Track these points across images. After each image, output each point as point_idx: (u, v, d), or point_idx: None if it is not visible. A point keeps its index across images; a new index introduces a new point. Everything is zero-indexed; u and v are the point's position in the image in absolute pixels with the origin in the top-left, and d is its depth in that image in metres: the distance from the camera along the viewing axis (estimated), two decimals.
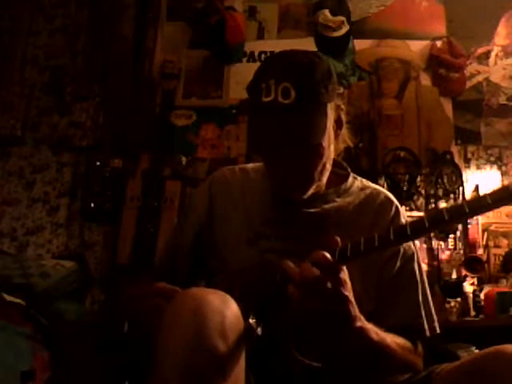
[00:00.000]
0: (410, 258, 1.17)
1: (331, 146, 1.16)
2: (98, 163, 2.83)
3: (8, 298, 1.97)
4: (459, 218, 0.84)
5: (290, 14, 3.17)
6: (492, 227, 2.79)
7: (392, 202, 1.23)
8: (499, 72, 3.05)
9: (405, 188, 2.80)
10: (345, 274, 0.89)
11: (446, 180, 2.82)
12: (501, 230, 2.80)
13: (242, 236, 1.18)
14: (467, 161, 2.95)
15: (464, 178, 2.85)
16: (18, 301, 1.98)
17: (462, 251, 2.74)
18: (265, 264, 1.03)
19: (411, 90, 3.03)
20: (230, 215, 1.23)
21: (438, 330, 1.16)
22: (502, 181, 2.90)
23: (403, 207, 2.40)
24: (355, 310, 0.92)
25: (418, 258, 1.19)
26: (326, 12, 2.99)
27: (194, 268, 1.21)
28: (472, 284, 2.65)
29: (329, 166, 1.17)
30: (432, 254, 2.74)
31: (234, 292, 0.92)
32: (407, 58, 3.08)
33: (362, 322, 0.94)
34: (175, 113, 3.01)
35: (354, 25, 3.08)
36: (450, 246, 2.75)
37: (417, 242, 1.31)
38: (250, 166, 1.33)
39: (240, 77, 2.97)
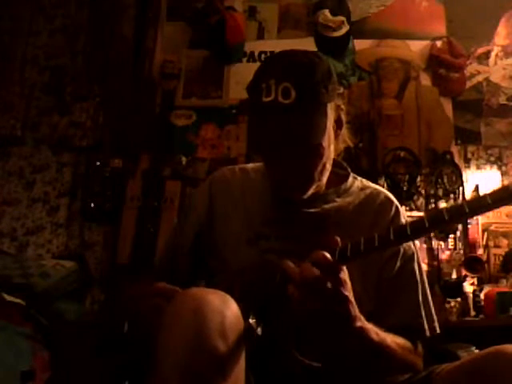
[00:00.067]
0: (410, 258, 1.17)
1: (331, 146, 1.16)
2: (98, 163, 2.83)
3: (8, 297, 1.97)
4: (459, 217, 0.84)
5: (290, 14, 3.17)
6: (492, 227, 2.79)
7: (392, 201, 1.23)
8: (499, 72, 3.05)
9: (405, 188, 2.80)
10: (345, 274, 0.89)
11: (446, 180, 2.82)
12: (501, 230, 2.80)
13: (241, 236, 1.18)
14: (467, 161, 2.95)
15: (464, 178, 2.85)
16: (18, 301, 1.98)
17: (461, 251, 2.74)
18: (265, 264, 1.03)
19: (411, 89, 3.03)
20: (230, 215, 1.23)
21: (438, 330, 1.16)
22: (502, 181, 2.90)
23: (403, 207, 2.40)
24: (355, 310, 0.92)
25: (418, 258, 1.19)
26: (326, 12, 2.99)
27: (193, 268, 1.21)
28: (472, 284, 2.65)
29: (329, 166, 1.17)
30: (432, 253, 2.74)
31: (234, 292, 0.92)
32: (407, 57, 3.08)
33: (362, 322, 0.94)
34: (175, 113, 3.01)
35: (354, 25, 3.08)
36: (450, 246, 2.75)
37: (417, 242, 1.31)
38: (250, 165, 1.33)
39: (240, 77, 2.97)
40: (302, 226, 1.16)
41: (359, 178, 1.28)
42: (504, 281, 2.67)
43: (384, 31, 3.13)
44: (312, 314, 0.90)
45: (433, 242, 2.75)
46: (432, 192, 2.83)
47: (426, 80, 3.05)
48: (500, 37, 3.09)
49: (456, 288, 2.57)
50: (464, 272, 2.64)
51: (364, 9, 3.15)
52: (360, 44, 3.10)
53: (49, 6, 3.13)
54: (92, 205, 2.80)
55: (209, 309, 0.82)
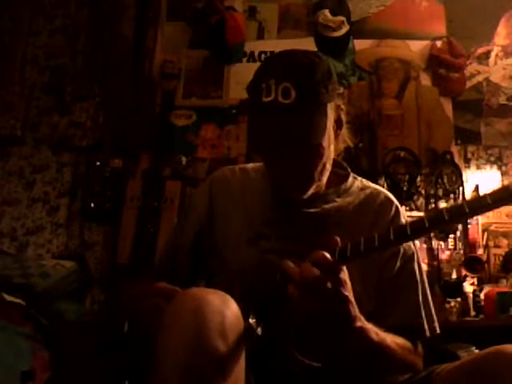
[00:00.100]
0: (410, 258, 1.17)
1: (331, 146, 1.15)
2: (98, 163, 2.83)
3: (8, 297, 1.97)
4: (459, 218, 0.84)
5: (290, 14, 3.17)
6: (492, 227, 2.79)
7: (392, 202, 1.23)
8: (499, 72, 3.05)
9: (405, 188, 2.80)
10: (345, 274, 0.89)
11: (446, 180, 2.82)
12: (501, 230, 2.80)
13: (242, 236, 1.18)
14: (467, 161, 2.95)
15: (464, 178, 2.85)
16: (18, 301, 1.98)
17: (461, 251, 2.74)
18: (265, 264, 1.03)
19: (411, 90, 3.03)
20: (230, 215, 1.23)
21: (438, 330, 1.16)
22: (502, 181, 2.90)
23: (403, 207, 2.40)
24: (355, 310, 0.92)
25: (418, 258, 1.19)
26: (326, 12, 2.99)
27: (193, 268, 1.21)
28: (472, 284, 2.65)
29: (329, 166, 1.17)
30: (432, 253, 2.74)
31: (234, 292, 0.92)
32: (407, 57, 3.08)
33: (361, 322, 0.94)
34: (175, 113, 3.01)
35: (354, 25, 3.08)
36: (450, 246, 2.75)
37: (417, 242, 1.31)
38: (250, 165, 1.33)
39: (240, 77, 2.97)
40: (302, 226, 1.16)
41: (359, 178, 1.28)
42: (504, 281, 2.67)
43: (384, 31, 3.13)
44: (312, 313, 0.90)
45: (433, 242, 2.75)
46: (432, 192, 2.83)
47: (426, 80, 3.06)
48: (500, 37, 3.09)
49: (456, 288, 2.57)
50: (464, 272, 2.64)
51: (364, 9, 3.15)
52: (360, 44, 3.10)
53: (49, 6, 3.13)
54: (92, 205, 2.80)
55: (209, 309, 0.82)
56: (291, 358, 1.01)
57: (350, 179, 1.25)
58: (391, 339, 1.03)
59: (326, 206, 1.19)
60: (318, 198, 1.18)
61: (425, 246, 2.74)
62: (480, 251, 2.76)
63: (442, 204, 2.79)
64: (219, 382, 0.80)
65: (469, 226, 2.77)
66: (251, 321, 0.88)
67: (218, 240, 1.21)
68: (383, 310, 1.12)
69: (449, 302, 2.56)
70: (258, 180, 1.26)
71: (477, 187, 2.85)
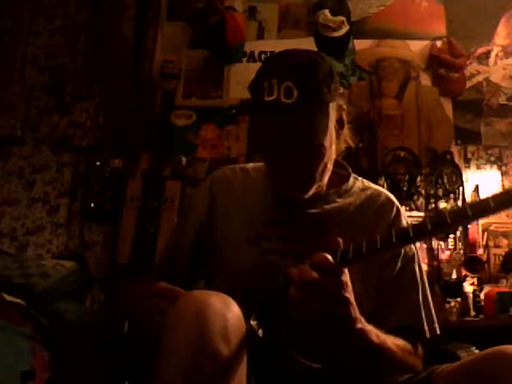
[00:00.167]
0: (410, 259, 1.17)
1: (333, 146, 1.15)
2: (98, 163, 2.83)
3: (8, 297, 1.97)
4: (462, 221, 0.84)
5: (290, 14, 3.17)
6: (492, 227, 2.79)
7: (393, 202, 1.23)
8: (499, 72, 3.05)
9: (405, 188, 2.80)
10: (346, 276, 0.89)
11: (446, 180, 2.82)
12: (501, 230, 2.80)
13: (242, 236, 1.18)
14: (467, 161, 2.95)
15: (464, 178, 2.85)
16: (18, 301, 1.98)
17: (462, 251, 2.75)
18: (266, 265, 1.03)
19: (411, 90, 3.03)
20: (231, 215, 1.23)
21: (439, 332, 1.16)
22: (502, 181, 2.90)
23: (403, 207, 2.40)
24: (356, 311, 0.92)
25: (418, 259, 1.19)
26: (326, 12, 2.99)
27: (194, 267, 1.21)
28: (472, 284, 2.65)
29: (330, 166, 1.17)
30: (432, 254, 2.74)
31: (235, 294, 0.92)
32: (407, 57, 3.08)
33: (362, 323, 0.94)
34: (175, 113, 3.01)
35: (353, 25, 3.08)
36: (450, 246, 2.75)
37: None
38: (251, 165, 1.32)
39: (240, 77, 2.97)
40: (302, 226, 1.16)
41: (360, 179, 1.28)
42: (504, 281, 2.67)
43: (384, 31, 3.13)
44: (313, 315, 0.90)
45: (433, 242, 2.74)
46: (432, 192, 2.83)
47: (426, 80, 3.06)
48: (500, 37, 3.09)
49: (456, 288, 2.57)
50: (464, 272, 2.64)
51: (364, 9, 3.15)
52: (360, 44, 3.10)
53: (49, 6, 3.13)
54: (92, 205, 2.80)
55: (211, 312, 0.82)
56: (292, 360, 1.01)
57: (351, 180, 1.25)
58: (391, 341, 1.03)
59: (327, 207, 1.19)
60: (318, 198, 1.18)
61: (425, 246, 2.74)
62: (480, 251, 2.76)
63: (442, 204, 2.79)
64: None
65: (469, 226, 2.77)
66: (252, 323, 0.88)
67: (218, 240, 1.21)
68: (383, 310, 1.12)
69: (449, 302, 2.56)
70: (258, 180, 1.26)
71: (477, 187, 2.85)
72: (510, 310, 2.39)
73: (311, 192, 1.15)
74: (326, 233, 1.10)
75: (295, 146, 1.08)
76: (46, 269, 2.26)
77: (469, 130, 2.99)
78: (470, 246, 2.76)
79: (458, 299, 2.57)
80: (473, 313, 2.55)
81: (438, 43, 3.06)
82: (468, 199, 2.82)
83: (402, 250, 1.16)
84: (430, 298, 1.18)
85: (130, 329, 1.10)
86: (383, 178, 2.82)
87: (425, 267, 2.59)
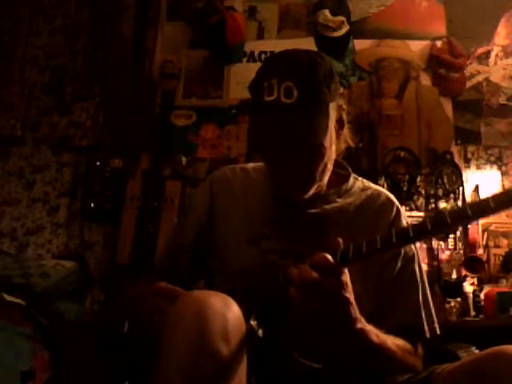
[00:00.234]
0: (410, 259, 1.17)
1: (333, 146, 1.15)
2: (98, 163, 2.83)
3: (8, 297, 1.97)
4: (462, 221, 0.84)
5: (290, 14, 3.17)
6: (492, 227, 2.79)
7: (393, 203, 1.23)
8: (499, 72, 3.05)
9: (405, 188, 2.80)
10: (346, 276, 0.89)
11: (446, 180, 2.82)
12: (501, 230, 2.80)
13: (242, 236, 1.18)
14: (467, 161, 2.95)
15: (464, 178, 2.85)
16: (18, 301, 1.98)
17: (462, 251, 2.75)
18: (266, 265, 1.03)
19: (411, 90, 3.03)
20: (231, 215, 1.23)
21: (439, 332, 1.16)
22: (502, 181, 2.90)
23: (403, 207, 2.40)
24: (356, 311, 0.92)
25: (418, 259, 1.19)
26: (326, 12, 2.99)
27: (194, 267, 1.21)
28: (472, 284, 2.65)
29: (330, 166, 1.17)
30: (432, 253, 2.74)
31: (235, 294, 0.92)
32: (407, 57, 3.08)
33: (362, 323, 0.94)
34: (175, 113, 3.01)
35: (353, 25, 3.08)
36: (450, 246, 2.75)
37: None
38: (251, 165, 1.32)
39: (240, 77, 2.97)
40: (302, 226, 1.16)
41: (360, 179, 1.28)
42: (504, 281, 2.67)
43: (384, 31, 3.13)
44: (312, 315, 0.90)
45: (433, 242, 2.74)
46: (432, 192, 2.83)
47: (426, 80, 3.06)
48: (500, 37, 3.09)
49: (456, 288, 2.57)
50: (464, 272, 2.64)
51: (364, 9, 3.15)
52: (360, 44, 3.10)
53: (49, 6, 3.13)
54: (92, 205, 2.80)
55: (211, 312, 0.82)
56: (292, 360, 1.01)
57: (351, 180, 1.25)
58: (392, 341, 1.03)
59: (327, 207, 1.19)
60: (318, 198, 1.18)
61: (425, 246, 2.74)
62: (480, 251, 2.76)
63: (442, 204, 2.79)
64: None
65: (469, 226, 2.77)
66: (252, 323, 0.88)
67: (218, 240, 1.21)
68: (383, 310, 1.12)
69: (449, 302, 2.56)
70: (258, 180, 1.26)
71: (477, 187, 2.85)
72: (510, 310, 2.39)
73: (311, 192, 1.15)
74: (325, 233, 1.10)
75: (295, 146, 1.07)
76: (46, 269, 2.26)
77: (469, 130, 2.99)
78: (470, 246, 2.76)
79: (458, 299, 2.57)
80: (473, 313, 2.55)
81: (438, 43, 3.06)
82: (468, 199, 2.83)
83: (402, 250, 1.16)
84: (430, 298, 1.18)
85: (129, 329, 1.10)
86: (383, 178, 2.82)
87: (425, 267, 2.59)
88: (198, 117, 3.00)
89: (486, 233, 2.79)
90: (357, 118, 2.82)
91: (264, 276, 0.99)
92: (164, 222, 2.74)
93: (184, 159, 2.89)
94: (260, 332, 0.88)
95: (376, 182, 1.51)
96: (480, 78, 3.05)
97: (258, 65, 1.16)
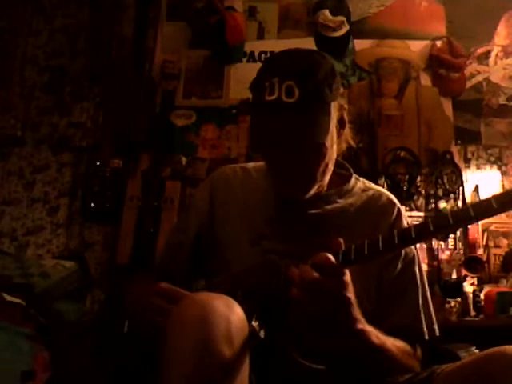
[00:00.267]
0: (410, 260, 1.17)
1: (334, 145, 1.14)
2: (98, 163, 2.83)
3: (8, 297, 1.97)
4: (464, 222, 0.83)
5: (290, 14, 3.17)
6: (492, 227, 2.79)
7: (394, 203, 1.23)
8: (499, 72, 3.05)
9: (405, 188, 2.80)
10: (348, 277, 0.89)
11: (446, 180, 2.82)
12: (501, 230, 2.80)
13: (244, 236, 1.17)
14: (467, 161, 2.94)
15: (464, 178, 2.85)
16: (18, 301, 1.98)
17: (461, 251, 2.75)
18: (267, 265, 1.02)
19: (411, 90, 3.03)
20: (232, 214, 1.22)
21: (438, 333, 1.16)
22: (502, 181, 2.90)
23: (403, 207, 2.41)
24: (357, 312, 0.92)
25: (418, 261, 1.19)
26: (326, 12, 2.99)
27: (194, 267, 1.21)
28: (472, 284, 2.65)
29: (331, 166, 1.16)
30: (432, 253, 2.74)
31: (236, 294, 0.92)
32: (407, 58, 3.08)
33: (363, 324, 0.94)
34: (175, 113, 3.00)
35: (353, 25, 3.08)
36: (450, 246, 2.75)
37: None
38: (251, 165, 1.32)
39: (240, 77, 2.96)
40: (303, 226, 1.15)
41: (361, 179, 1.27)
42: (504, 281, 2.67)
43: (384, 31, 3.13)
44: (314, 316, 0.90)
45: (433, 242, 2.75)
46: (432, 192, 2.83)
47: (425, 80, 3.06)
48: (500, 37, 3.09)
49: (456, 288, 2.57)
50: (464, 272, 2.64)
51: (364, 9, 3.15)
52: (360, 44, 3.10)
53: (49, 6, 3.13)
54: (92, 205, 2.80)
55: (215, 315, 0.82)
56: (292, 361, 1.01)
57: (353, 180, 1.24)
58: (391, 342, 1.03)
59: (328, 207, 1.18)
60: (319, 198, 1.17)
61: (425, 246, 2.74)
62: (480, 251, 2.76)
63: (442, 204, 2.79)
64: None
65: (469, 226, 2.77)
66: (254, 324, 0.88)
67: (219, 240, 1.21)
68: (383, 311, 1.11)
69: (449, 302, 2.56)
70: (259, 179, 1.26)
71: (477, 187, 2.85)
72: (510, 310, 2.39)
73: (312, 192, 1.14)
74: (326, 233, 1.10)
75: (296, 146, 1.07)
76: (46, 269, 2.26)
77: (469, 130, 2.99)
78: (469, 246, 2.76)
79: (458, 299, 2.57)
80: (473, 313, 2.55)
81: (438, 43, 3.06)
82: (468, 199, 2.83)
83: (403, 252, 1.16)
84: (429, 299, 1.17)
85: (130, 329, 1.10)
86: (383, 178, 2.82)
87: (425, 267, 2.59)
88: (198, 117, 2.99)
89: (486, 233, 2.79)
90: (357, 117, 2.82)
91: (265, 276, 0.99)
92: (164, 222, 2.74)
93: (184, 159, 2.89)
94: (262, 333, 0.88)
95: (376, 182, 1.51)
96: (480, 77, 3.05)
97: (258, 65, 1.16)
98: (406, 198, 2.79)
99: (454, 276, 2.66)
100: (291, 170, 1.11)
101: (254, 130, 1.15)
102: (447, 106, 3.01)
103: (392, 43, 3.11)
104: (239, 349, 0.82)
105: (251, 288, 0.99)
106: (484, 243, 2.78)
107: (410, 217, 2.60)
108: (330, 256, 0.86)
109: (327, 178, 1.17)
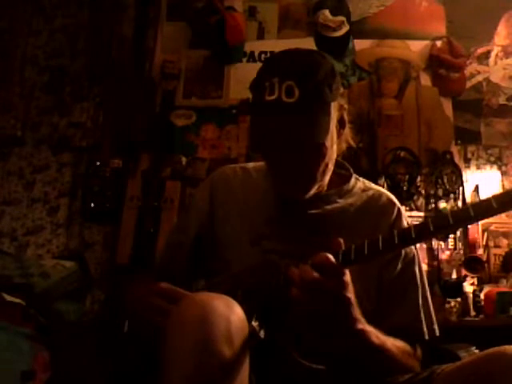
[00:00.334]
0: (410, 260, 1.17)
1: (334, 145, 1.14)
2: (98, 163, 2.83)
3: (8, 297, 1.97)
4: (464, 222, 0.83)
5: (290, 14, 3.17)
6: (492, 227, 2.79)
7: (394, 203, 1.23)
8: (499, 72, 3.05)
9: (405, 188, 2.80)
10: (348, 277, 0.89)
11: (446, 180, 2.82)
12: (501, 230, 2.80)
13: (244, 236, 1.17)
14: (467, 161, 2.95)
15: (464, 178, 2.85)
16: (18, 301, 1.98)
17: (461, 251, 2.75)
18: (267, 265, 1.02)
19: (411, 90, 3.03)
20: (231, 214, 1.22)
21: (438, 333, 1.16)
22: (502, 181, 2.90)
23: (403, 207, 2.41)
24: (357, 312, 0.92)
25: (418, 261, 1.19)
26: (326, 12, 2.99)
27: (194, 267, 1.21)
28: (472, 284, 2.65)
29: (331, 166, 1.16)
30: (432, 253, 2.74)
31: (236, 294, 0.92)
32: (407, 57, 3.08)
33: (363, 324, 0.94)
34: (175, 113, 3.00)
35: (353, 25, 3.08)
36: (450, 246, 2.75)
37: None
38: (252, 165, 1.32)
39: (240, 77, 2.96)
40: (303, 226, 1.15)
41: (361, 179, 1.27)
42: (504, 281, 2.67)
43: (384, 31, 3.13)
44: (314, 316, 0.90)
45: (433, 242, 2.75)
46: (432, 192, 2.83)
47: (425, 80, 3.05)
48: (500, 37, 3.09)
49: (456, 288, 2.57)
50: (464, 272, 2.64)
51: (364, 9, 3.15)
52: (360, 44, 3.10)
53: (49, 6, 3.13)
54: (92, 205, 2.80)
55: (215, 315, 0.82)
56: (292, 360, 1.01)
57: (353, 180, 1.24)
58: (391, 342, 1.03)
59: (328, 207, 1.18)
60: (319, 198, 1.17)
61: (425, 246, 2.74)
62: (480, 251, 2.76)
63: (442, 204, 2.79)
64: None
65: (469, 226, 2.77)
66: (254, 324, 0.88)
67: (219, 240, 1.21)
68: (383, 311, 1.11)
69: (449, 302, 2.56)
70: (259, 179, 1.26)
71: (477, 187, 2.85)
72: (510, 310, 2.39)
73: (312, 192, 1.14)
74: (326, 233, 1.10)
75: (296, 146, 1.07)
76: (46, 269, 2.26)
77: (469, 130, 2.99)
78: (469, 246, 2.76)
79: (458, 299, 2.57)
80: (473, 313, 2.55)
81: (438, 43, 3.06)
82: (468, 199, 2.83)
83: (403, 252, 1.16)
84: (429, 299, 1.17)
85: (130, 329, 1.10)
86: (383, 178, 2.82)
87: (425, 267, 2.59)
88: (198, 117, 2.99)
89: (486, 233, 2.79)
90: (357, 117, 2.82)
91: (265, 276, 0.99)
92: (164, 222, 2.74)
93: (184, 159, 2.89)
94: (262, 333, 0.88)
95: (376, 182, 1.51)
96: (480, 77, 3.05)
97: (258, 65, 1.16)
98: (406, 198, 2.79)
99: (454, 276, 2.66)
100: (291, 170, 1.10)
101: (254, 130, 1.15)
102: (447, 106, 3.01)
103: (392, 43, 3.11)
104: (239, 349, 0.82)
105: (251, 288, 0.99)
106: (484, 243, 2.78)
107: (410, 217, 2.60)
108: (330, 256, 0.86)
109: (327, 178, 1.17)
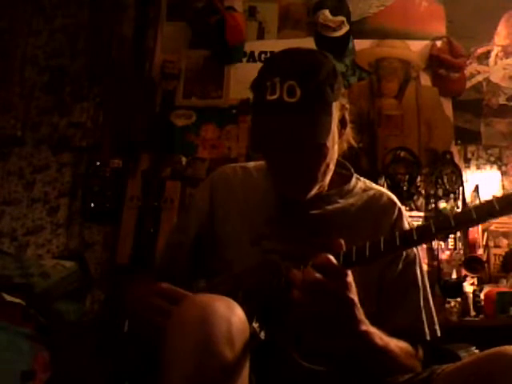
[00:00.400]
0: (412, 261, 1.16)
1: (335, 146, 1.14)
2: (98, 163, 2.83)
3: (8, 297, 1.97)
4: (466, 224, 0.83)
5: (290, 14, 3.17)
6: (492, 227, 2.79)
7: (395, 204, 1.22)
8: (499, 72, 3.05)
9: (405, 188, 2.80)
10: (350, 278, 0.89)
11: (446, 180, 2.82)
12: (501, 230, 2.80)
13: (244, 236, 1.17)
14: (467, 161, 2.95)
15: (464, 178, 2.85)
16: (18, 301, 1.98)
17: (461, 251, 2.75)
18: (268, 266, 1.02)
19: (411, 90, 3.03)
20: (232, 214, 1.22)
21: (439, 334, 1.16)
22: (502, 181, 2.90)
23: (403, 207, 2.41)
24: (360, 313, 0.92)
25: (419, 261, 1.18)
26: (326, 12, 2.99)
27: (194, 267, 1.21)
28: (472, 284, 2.65)
29: (332, 167, 1.16)
30: (432, 253, 2.74)
31: (237, 295, 0.92)
32: (407, 57, 3.08)
33: (366, 325, 0.94)
34: (175, 113, 3.00)
35: (353, 25, 3.08)
36: (450, 246, 2.75)
37: None
38: (252, 164, 1.31)
39: (240, 77, 2.97)
40: (304, 226, 1.15)
41: (362, 179, 1.27)
42: (504, 281, 2.67)
43: (384, 31, 3.13)
44: (316, 317, 0.90)
45: (433, 242, 2.74)
46: (432, 192, 2.83)
47: (425, 80, 3.06)
48: (500, 37, 3.09)
49: (456, 288, 2.57)
50: (464, 272, 2.64)
51: (364, 9, 3.15)
52: (360, 44, 3.10)
53: (49, 6, 3.13)
54: (92, 205, 2.80)
55: (215, 316, 0.82)
56: (292, 361, 1.01)
57: (353, 180, 1.24)
58: (394, 343, 1.03)
59: (329, 207, 1.18)
60: (320, 198, 1.17)
61: (425, 246, 2.73)
62: (480, 251, 2.76)
63: (442, 204, 2.79)
64: None
65: None
66: (255, 325, 0.88)
67: (219, 239, 1.20)
68: (385, 312, 1.11)
69: (449, 302, 2.56)
70: (259, 179, 1.25)
71: (477, 187, 2.85)
72: (510, 310, 2.39)
73: (313, 192, 1.14)
74: (327, 233, 1.10)
75: (297, 146, 1.06)
76: (46, 269, 2.26)
77: (469, 130, 2.99)
78: (469, 246, 2.76)
79: (458, 299, 2.57)
80: (473, 313, 2.55)
81: (438, 43, 3.06)
82: (468, 199, 2.83)
83: (404, 252, 1.15)
84: (431, 300, 1.17)
85: (130, 329, 1.10)
86: (383, 178, 2.82)
87: (425, 267, 2.57)
88: (198, 117, 2.99)
89: (486, 233, 2.79)
90: (357, 117, 2.81)
91: (265, 276, 0.99)
92: (164, 222, 2.74)
93: (184, 159, 2.89)
94: (262, 334, 0.88)
95: (376, 182, 1.50)
96: (480, 77, 3.05)
97: (258, 65, 1.15)
98: (406, 198, 2.79)
99: (454, 276, 2.66)
100: (292, 170, 1.10)
101: (255, 130, 1.14)
102: (447, 106, 3.01)
103: (392, 43, 3.11)
104: (240, 350, 0.82)
105: (252, 289, 0.99)
106: (484, 243, 2.78)
107: (411, 217, 2.59)
108: (331, 257, 0.86)
109: (328, 178, 1.16)
